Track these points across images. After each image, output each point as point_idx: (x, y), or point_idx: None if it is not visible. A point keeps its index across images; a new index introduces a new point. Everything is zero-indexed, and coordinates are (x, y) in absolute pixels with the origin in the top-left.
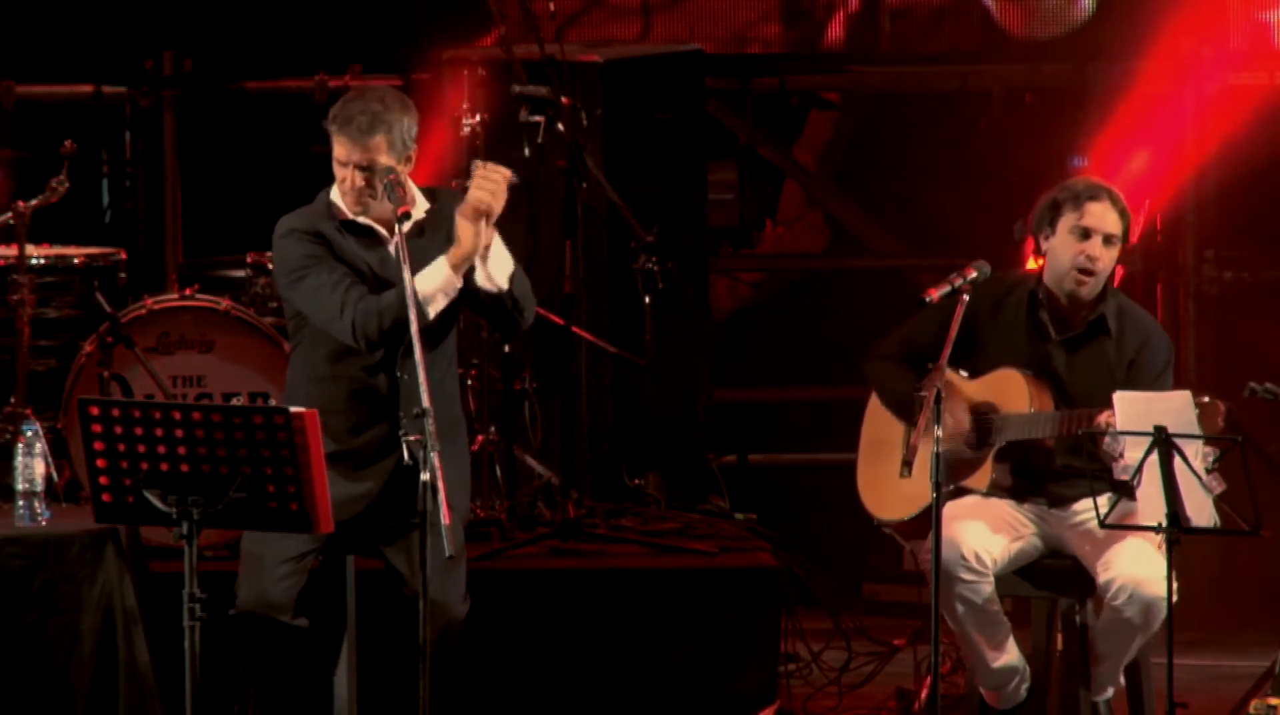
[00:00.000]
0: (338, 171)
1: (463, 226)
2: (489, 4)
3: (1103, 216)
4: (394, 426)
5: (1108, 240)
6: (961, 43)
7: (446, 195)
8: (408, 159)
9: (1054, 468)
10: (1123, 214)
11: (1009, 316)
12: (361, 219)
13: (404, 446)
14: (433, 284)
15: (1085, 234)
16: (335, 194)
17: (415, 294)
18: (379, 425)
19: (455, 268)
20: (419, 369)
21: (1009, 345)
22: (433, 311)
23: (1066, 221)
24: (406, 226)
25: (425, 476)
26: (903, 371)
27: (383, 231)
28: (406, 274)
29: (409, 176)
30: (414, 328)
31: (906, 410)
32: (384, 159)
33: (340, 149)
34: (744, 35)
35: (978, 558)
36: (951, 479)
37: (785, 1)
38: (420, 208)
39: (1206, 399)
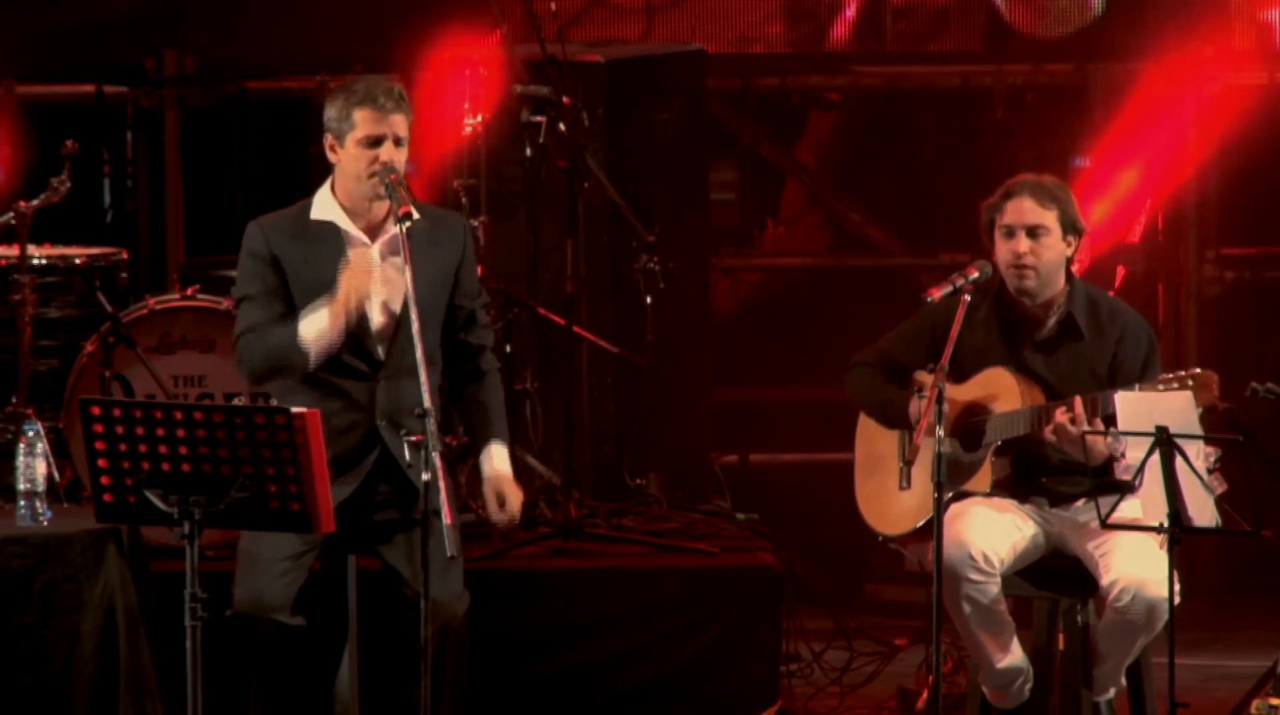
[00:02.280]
0: (360, 154)
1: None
2: (491, 4)
3: (1022, 211)
4: (372, 428)
5: (1032, 232)
6: (965, 43)
7: (440, 217)
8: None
9: (1053, 464)
10: (1047, 201)
11: (981, 327)
12: (333, 219)
13: (405, 447)
14: (315, 330)
15: (1010, 232)
16: (322, 195)
17: (413, 294)
18: (355, 428)
19: (334, 318)
20: (420, 369)
21: (986, 354)
22: (313, 361)
23: (996, 224)
24: (407, 226)
25: (426, 476)
26: (881, 376)
27: (357, 233)
28: (409, 274)
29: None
30: (415, 326)
31: (890, 412)
32: (405, 135)
33: (371, 124)
34: (747, 35)
35: (985, 558)
36: (952, 483)
37: (788, 1)
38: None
39: (1198, 371)
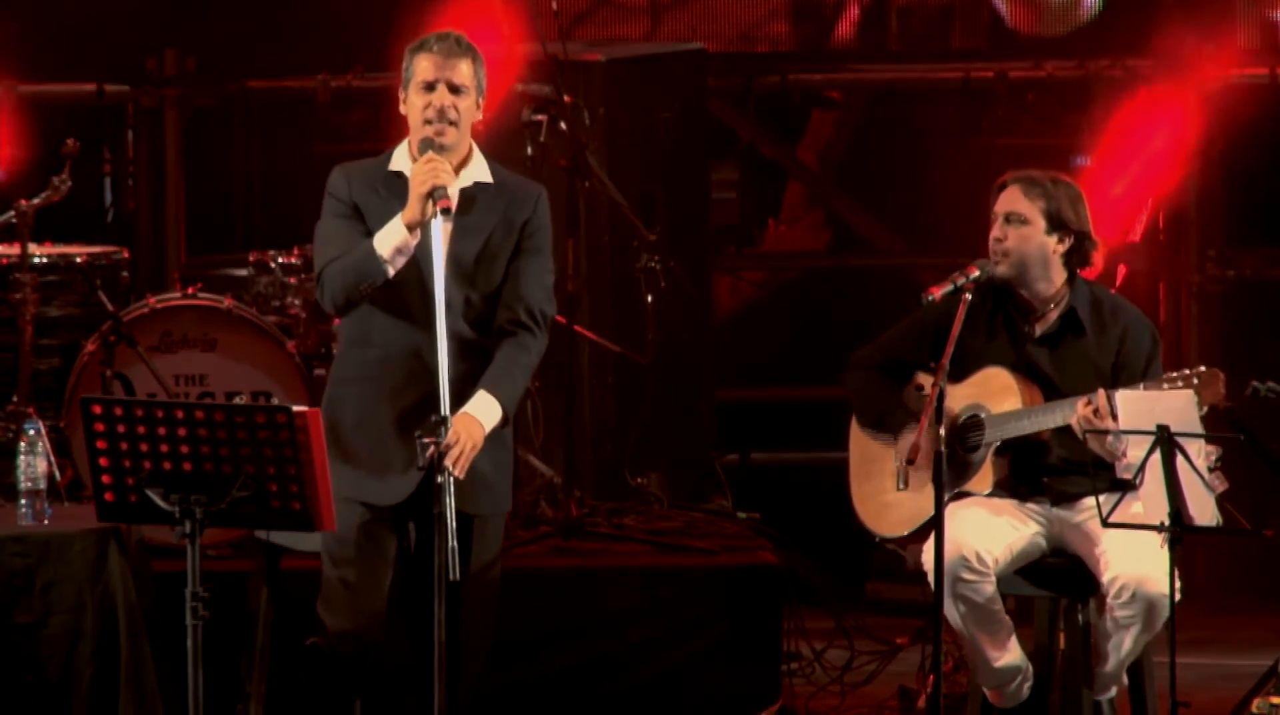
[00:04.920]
0: (418, 100)
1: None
2: (491, 4)
3: (1006, 200)
4: (426, 397)
5: (1008, 219)
6: (969, 42)
7: (514, 179)
8: (479, 105)
9: (1053, 464)
10: (1034, 193)
11: (983, 324)
12: (404, 171)
13: (416, 448)
14: (391, 244)
15: (995, 218)
16: (401, 147)
17: (442, 300)
18: (420, 397)
19: (409, 227)
20: (441, 369)
21: (988, 351)
22: (391, 270)
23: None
24: (450, 210)
25: (440, 478)
26: (881, 378)
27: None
28: (439, 269)
29: (475, 132)
30: (440, 325)
31: (885, 421)
32: (467, 83)
33: (428, 68)
34: (752, 34)
35: (978, 558)
36: (953, 484)
37: (794, 1)
38: (474, 175)
39: (1204, 368)
